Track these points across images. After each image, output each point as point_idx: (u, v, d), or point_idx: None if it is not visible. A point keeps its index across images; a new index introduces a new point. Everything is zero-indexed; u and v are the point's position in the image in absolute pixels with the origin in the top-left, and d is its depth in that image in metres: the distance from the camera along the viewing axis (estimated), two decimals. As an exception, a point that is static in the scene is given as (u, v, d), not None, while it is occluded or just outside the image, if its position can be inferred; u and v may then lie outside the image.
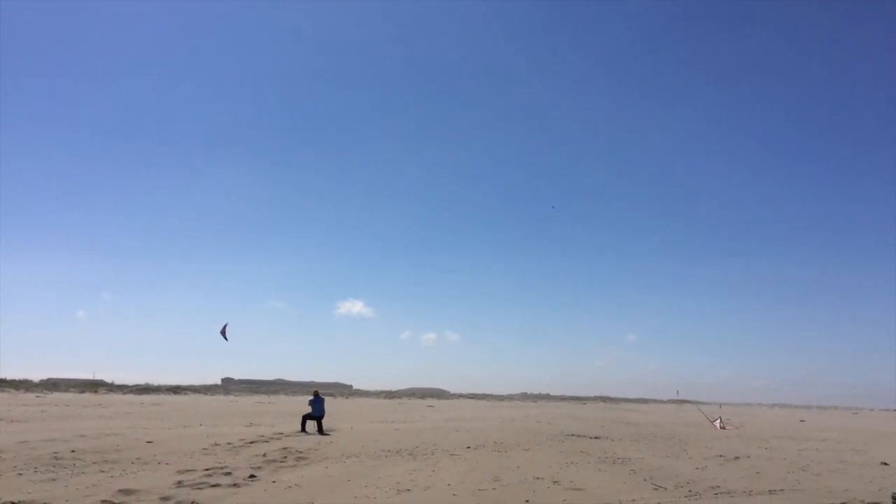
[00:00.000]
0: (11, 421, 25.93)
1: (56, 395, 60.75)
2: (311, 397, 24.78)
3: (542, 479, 13.60)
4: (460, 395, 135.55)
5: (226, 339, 30.44)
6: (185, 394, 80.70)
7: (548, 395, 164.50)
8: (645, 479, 14.09)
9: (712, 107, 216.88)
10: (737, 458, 19.61)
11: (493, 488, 12.27)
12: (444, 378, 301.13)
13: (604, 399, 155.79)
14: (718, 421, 39.85)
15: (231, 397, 76.64)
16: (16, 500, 9.60)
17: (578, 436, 25.88)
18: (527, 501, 11.05)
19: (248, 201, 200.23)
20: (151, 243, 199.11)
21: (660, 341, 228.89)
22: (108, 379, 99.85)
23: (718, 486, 13.43)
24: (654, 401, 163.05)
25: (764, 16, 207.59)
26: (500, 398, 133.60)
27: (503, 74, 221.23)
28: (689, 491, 12.76)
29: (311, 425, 24.04)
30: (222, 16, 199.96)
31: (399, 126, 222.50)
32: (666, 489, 12.90)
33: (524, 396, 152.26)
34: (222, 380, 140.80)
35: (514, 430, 28.04)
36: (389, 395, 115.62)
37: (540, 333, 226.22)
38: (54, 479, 11.57)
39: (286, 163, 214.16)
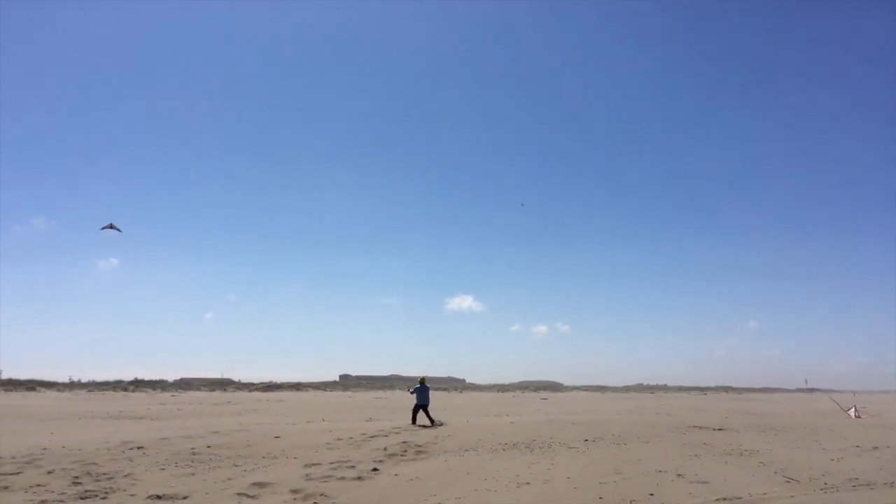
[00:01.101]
0: (151, 419, 27.77)
1: (189, 394, 64.57)
2: (417, 385, 25.37)
3: (665, 471, 13.30)
4: (574, 388, 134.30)
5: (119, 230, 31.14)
6: (306, 390, 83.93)
7: (665, 386, 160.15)
8: (775, 472, 13.52)
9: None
10: (875, 447, 18.49)
11: (615, 481, 12.11)
12: (557, 370, 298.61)
13: (725, 389, 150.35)
14: (853, 410, 37.61)
15: (349, 393, 79.09)
16: (160, 494, 10.28)
17: (700, 427, 25.09)
18: (651, 495, 10.84)
19: (360, 200, 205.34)
20: (270, 245, 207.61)
21: (784, 328, 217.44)
22: (234, 377, 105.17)
23: (856, 478, 12.71)
24: (781, 390, 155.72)
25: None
26: (616, 390, 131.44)
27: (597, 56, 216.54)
28: (825, 483, 12.14)
29: (421, 417, 24.55)
30: (344, 18, 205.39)
31: (500, 114, 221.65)
32: (798, 482, 12.33)
33: (641, 388, 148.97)
34: (340, 376, 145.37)
35: (633, 423, 27.51)
36: (502, 388, 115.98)
37: (655, 322, 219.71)
38: (193, 474, 12.31)
39: (394, 160, 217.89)
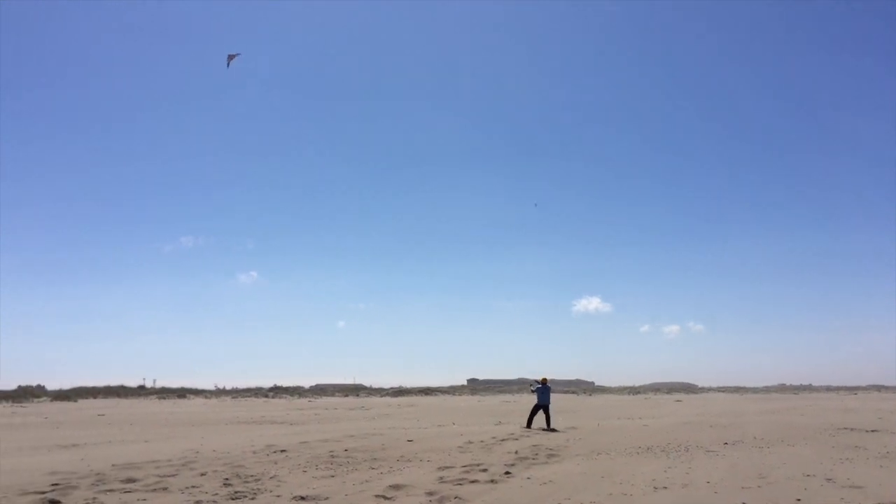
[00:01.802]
0: (291, 424, 29.12)
1: (324, 400, 67.12)
2: (539, 385, 25.08)
3: (813, 476, 12.56)
4: (710, 389, 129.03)
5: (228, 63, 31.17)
6: (435, 395, 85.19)
7: (810, 385, 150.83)
8: (940, 477, 12.49)
9: None
10: None
11: (759, 486, 11.55)
12: (690, 371, 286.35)
13: (878, 388, 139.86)
14: None
15: (478, 397, 79.60)
16: (304, 495, 10.75)
17: (851, 429, 23.49)
18: (798, 500, 10.27)
19: (486, 203, 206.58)
20: (399, 252, 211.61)
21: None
22: (366, 383, 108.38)
23: None
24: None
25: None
26: (756, 391, 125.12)
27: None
28: None
29: (539, 420, 24.25)
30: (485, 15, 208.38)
31: (632, 113, 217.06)
32: (968, 488, 11.33)
33: (783, 388, 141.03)
34: (468, 380, 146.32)
35: (775, 424, 26.15)
36: (633, 390, 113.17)
37: (798, 318, 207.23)
38: (333, 476, 12.79)
39: (521, 162, 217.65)
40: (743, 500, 10.37)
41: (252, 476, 12.61)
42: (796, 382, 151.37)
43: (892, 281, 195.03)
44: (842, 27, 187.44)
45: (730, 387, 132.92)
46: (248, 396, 71.91)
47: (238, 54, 31.06)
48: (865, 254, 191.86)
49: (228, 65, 31.10)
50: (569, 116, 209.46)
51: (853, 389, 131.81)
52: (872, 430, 22.97)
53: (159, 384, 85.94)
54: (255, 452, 16.46)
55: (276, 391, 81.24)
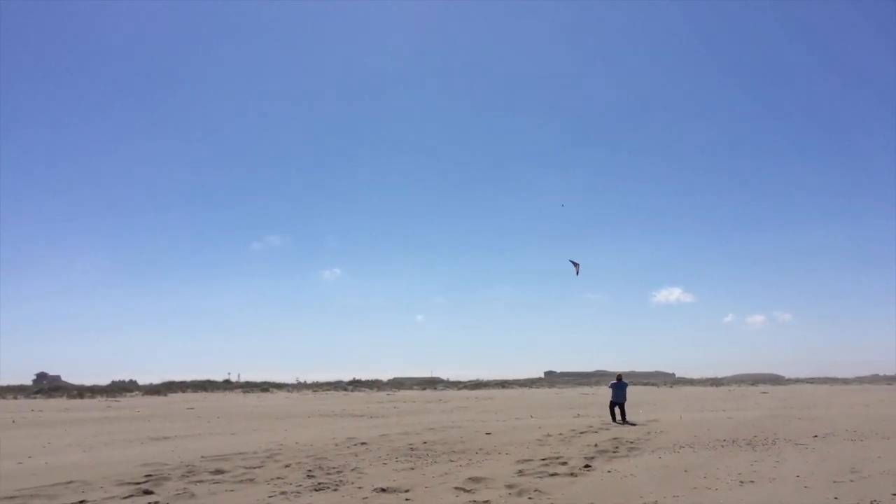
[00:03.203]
0: (371, 417, 29.61)
1: (402, 393, 67.88)
2: (614, 381, 24.58)
3: (911, 470, 11.99)
4: (798, 380, 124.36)
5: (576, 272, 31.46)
6: (512, 388, 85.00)
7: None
8: None
9: None
10: None
11: (852, 480, 11.10)
12: (776, 362, 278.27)
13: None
14: None
15: (555, 389, 79.01)
16: (385, 487, 10.92)
17: (952, 422, 22.29)
18: (894, 495, 9.82)
19: (566, 197, 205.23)
20: (477, 246, 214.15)
21: None
22: (443, 376, 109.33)
23: None
24: None
25: None
26: (847, 381, 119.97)
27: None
28: None
29: (618, 412, 23.81)
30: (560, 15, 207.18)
31: (711, 108, 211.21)
32: None
33: (876, 378, 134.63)
34: (545, 373, 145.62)
35: (868, 416, 25.06)
36: (715, 382, 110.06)
37: (888, 307, 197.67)
38: (412, 468, 12.95)
39: (601, 155, 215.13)
40: (835, 494, 9.99)
41: (334, 468, 12.89)
42: (891, 373, 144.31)
43: None
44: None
45: (819, 378, 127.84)
46: (328, 390, 73.34)
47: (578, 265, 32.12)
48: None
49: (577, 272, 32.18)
50: (648, 112, 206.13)
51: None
52: (977, 423, 21.74)
53: (243, 378, 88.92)
54: (336, 445, 16.82)
55: (356, 385, 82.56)
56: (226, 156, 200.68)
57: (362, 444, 17.04)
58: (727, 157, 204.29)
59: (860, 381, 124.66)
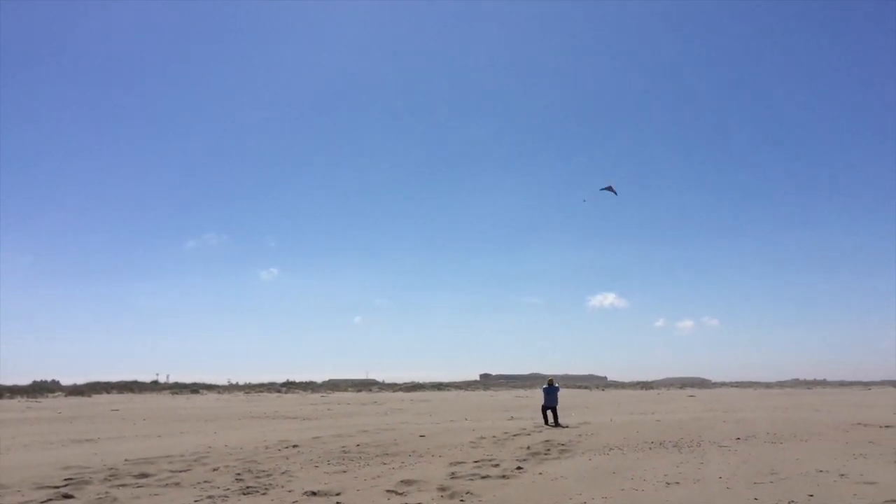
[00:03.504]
0: (304, 419, 29.24)
1: (337, 395, 67.26)
2: (545, 385, 24.92)
3: (826, 472, 12.47)
4: (723, 384, 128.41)
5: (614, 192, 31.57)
6: (448, 390, 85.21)
7: (824, 380, 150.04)
8: (955, 473, 12.38)
9: None
10: None
11: (771, 482, 11.50)
12: (704, 366, 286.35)
13: (893, 383, 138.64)
14: None
15: (491, 392, 79.57)
16: (315, 490, 10.79)
17: (865, 425, 23.30)
18: (811, 496, 10.21)
19: (503, 201, 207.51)
20: (415, 249, 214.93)
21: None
22: (379, 378, 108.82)
23: None
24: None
25: None
26: (769, 385, 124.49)
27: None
28: None
29: (550, 416, 24.14)
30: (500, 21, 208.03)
31: (639, 109, 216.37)
32: (983, 484, 11.23)
33: (796, 383, 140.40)
34: (481, 375, 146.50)
35: (788, 420, 26.03)
36: (646, 385, 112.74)
37: (812, 314, 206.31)
38: (345, 471, 12.84)
39: (537, 161, 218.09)
40: (755, 495, 10.33)
41: (264, 471, 12.68)
42: (810, 377, 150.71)
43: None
44: None
45: (743, 382, 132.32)
46: (261, 392, 72.06)
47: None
48: (881, 249, 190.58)
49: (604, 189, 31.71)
50: (583, 118, 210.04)
51: (867, 385, 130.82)
52: (886, 426, 22.77)
53: (172, 379, 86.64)
54: (267, 448, 16.56)
55: (289, 386, 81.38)
56: (162, 152, 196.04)
57: (294, 446, 16.82)
58: (661, 167, 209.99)
59: (781, 385, 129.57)
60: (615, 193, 31.81)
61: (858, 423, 23.84)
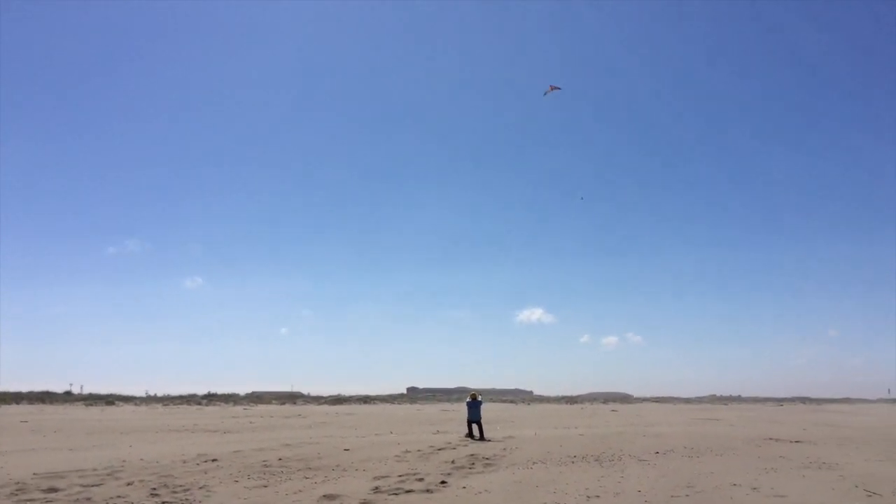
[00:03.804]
0: (224, 432, 28.47)
1: (261, 408, 65.82)
2: (469, 400, 25.10)
3: (740, 485, 12.92)
4: (645, 399, 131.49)
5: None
6: (374, 403, 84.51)
7: (739, 396, 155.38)
8: (856, 486, 12.98)
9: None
10: (967, 462, 17.57)
11: (687, 495, 11.82)
12: (627, 382, 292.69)
13: (803, 400, 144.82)
14: (942, 421, 35.77)
15: (417, 406, 79.32)
16: (235, 504, 10.54)
17: (776, 440, 24.25)
18: (724, 509, 10.54)
19: (431, 215, 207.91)
20: (345, 261, 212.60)
21: (865, 336, 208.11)
22: (304, 391, 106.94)
23: (946, 494, 12.09)
24: (861, 401, 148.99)
25: None
26: (688, 401, 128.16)
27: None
28: (911, 499, 11.59)
29: (476, 429, 24.29)
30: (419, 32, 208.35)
31: (571, 125, 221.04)
32: (881, 496, 11.82)
33: (713, 399, 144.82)
34: (407, 389, 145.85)
35: (705, 435, 26.83)
36: (570, 399, 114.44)
37: (730, 332, 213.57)
38: (265, 486, 12.55)
39: (465, 176, 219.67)
40: (672, 508, 10.59)
41: (181, 486, 12.28)
42: (726, 394, 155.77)
43: (816, 297, 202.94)
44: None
45: (664, 397, 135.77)
46: (181, 404, 69.95)
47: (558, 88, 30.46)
48: (794, 270, 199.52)
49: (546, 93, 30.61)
50: (515, 135, 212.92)
51: (780, 401, 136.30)
52: (796, 441, 23.76)
53: (87, 390, 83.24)
54: (185, 462, 16.04)
55: (210, 399, 79.30)
56: (82, 154, 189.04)
57: (213, 460, 16.34)
58: (588, 185, 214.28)
59: (699, 400, 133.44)
60: (559, 88, 31.77)
61: (770, 438, 24.78)
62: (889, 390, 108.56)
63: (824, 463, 16.87)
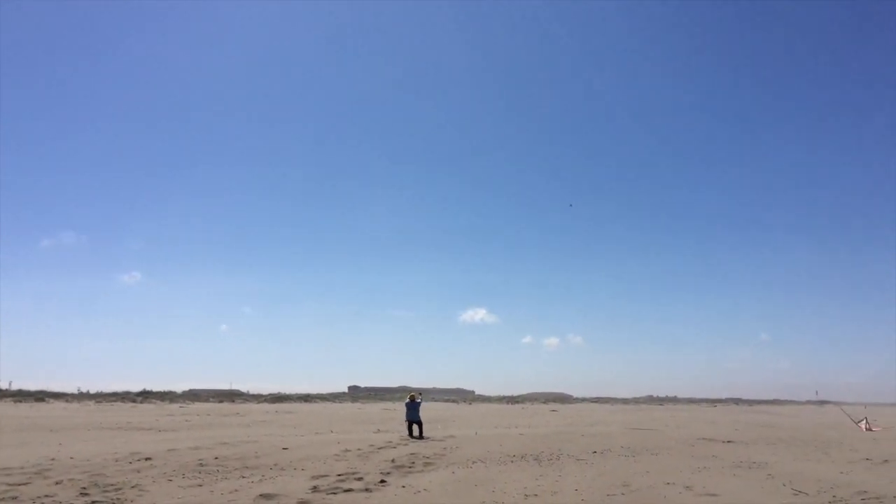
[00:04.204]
0: (159, 430, 27.80)
1: (197, 405, 64.53)
2: (408, 400, 25.19)
3: (673, 484, 13.22)
4: (584, 400, 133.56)
5: None
6: (315, 402, 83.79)
7: (675, 397, 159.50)
8: (784, 484, 13.43)
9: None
10: (886, 461, 18.35)
11: (623, 493, 12.05)
12: (567, 382, 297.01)
13: (736, 401, 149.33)
14: (864, 422, 37.25)
15: (358, 404, 78.91)
16: (168, 504, 10.29)
17: (710, 440, 24.94)
18: (658, 507, 10.77)
19: (374, 214, 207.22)
20: (286, 258, 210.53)
21: (795, 339, 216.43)
22: (244, 389, 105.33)
23: (866, 491, 12.60)
24: (791, 402, 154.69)
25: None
26: (626, 402, 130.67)
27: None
28: (833, 496, 12.05)
29: (416, 429, 24.40)
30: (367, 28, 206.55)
31: (516, 130, 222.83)
32: (807, 494, 12.24)
33: (650, 400, 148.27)
34: (349, 388, 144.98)
35: (642, 435, 27.38)
36: (512, 400, 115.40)
37: (666, 335, 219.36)
38: (200, 485, 12.29)
39: (407, 174, 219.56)
40: (608, 507, 10.77)
41: (112, 485, 11.94)
42: (663, 394, 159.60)
43: (749, 302, 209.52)
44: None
45: (602, 397, 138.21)
46: (114, 401, 68.02)
47: None
48: (730, 274, 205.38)
49: None
50: (460, 136, 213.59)
51: (714, 402, 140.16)
52: (728, 441, 24.46)
53: (16, 386, 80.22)
54: (117, 460, 15.60)
55: (146, 396, 77.34)
56: (16, 143, 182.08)
57: (146, 459, 15.93)
58: (534, 189, 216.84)
59: (637, 401, 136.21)
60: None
61: (703, 438, 25.46)
62: (817, 392, 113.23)
63: (755, 462, 17.41)
